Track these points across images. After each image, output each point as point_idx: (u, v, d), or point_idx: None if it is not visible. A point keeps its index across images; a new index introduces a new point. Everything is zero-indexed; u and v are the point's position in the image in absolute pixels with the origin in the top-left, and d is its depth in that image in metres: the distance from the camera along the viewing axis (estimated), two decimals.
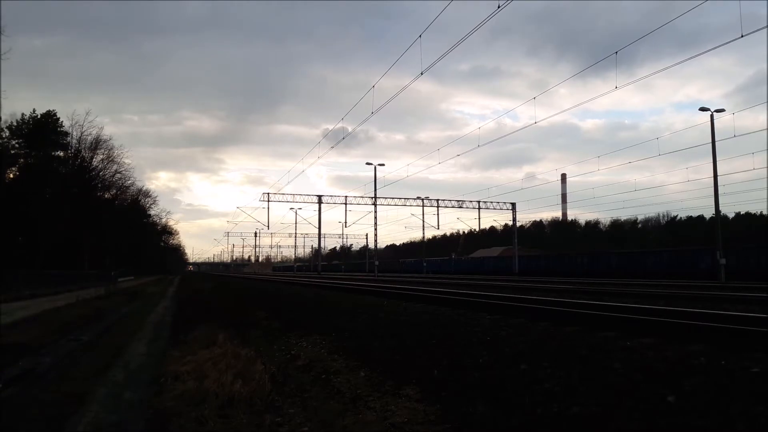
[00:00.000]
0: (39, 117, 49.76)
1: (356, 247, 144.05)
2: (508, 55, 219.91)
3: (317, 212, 64.23)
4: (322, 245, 79.65)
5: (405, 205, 65.26)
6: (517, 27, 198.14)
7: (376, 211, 58.26)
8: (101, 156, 53.22)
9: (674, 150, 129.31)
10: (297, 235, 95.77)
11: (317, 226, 66.34)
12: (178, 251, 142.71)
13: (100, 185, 56.62)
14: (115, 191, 62.35)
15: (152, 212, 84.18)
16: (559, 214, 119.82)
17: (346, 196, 63.72)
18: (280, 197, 61.96)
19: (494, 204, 64.80)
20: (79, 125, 49.64)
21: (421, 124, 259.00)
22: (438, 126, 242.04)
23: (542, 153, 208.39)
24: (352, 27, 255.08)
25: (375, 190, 56.99)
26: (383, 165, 68.92)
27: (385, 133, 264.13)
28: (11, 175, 47.36)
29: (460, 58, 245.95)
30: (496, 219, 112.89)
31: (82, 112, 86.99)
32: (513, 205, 64.63)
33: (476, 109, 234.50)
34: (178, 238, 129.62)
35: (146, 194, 78.13)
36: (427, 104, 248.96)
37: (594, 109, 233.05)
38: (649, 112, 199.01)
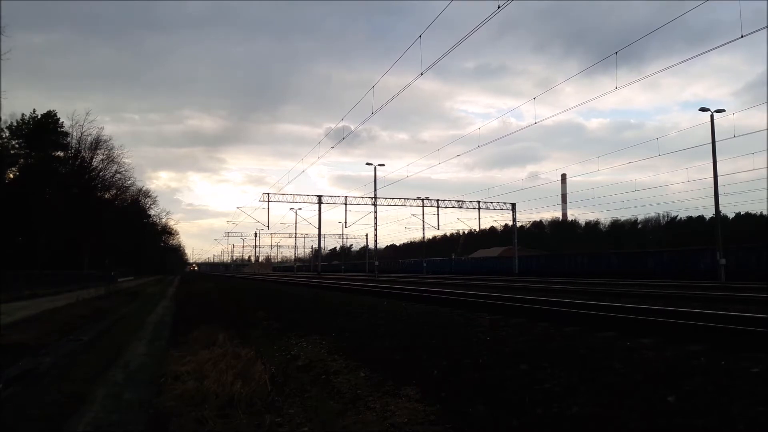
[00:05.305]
0: (39, 117, 49.84)
1: (356, 247, 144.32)
2: (515, 53, 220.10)
3: (317, 212, 64.25)
4: (322, 245, 79.62)
5: (405, 206, 65.28)
6: (524, 23, 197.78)
7: (376, 212, 58.30)
8: (101, 156, 53.45)
9: (676, 150, 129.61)
10: (297, 236, 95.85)
11: (317, 227, 66.33)
12: (178, 251, 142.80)
13: (100, 185, 56.69)
14: (115, 191, 62.49)
15: (152, 212, 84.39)
16: (559, 215, 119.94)
17: (346, 197, 63.73)
18: (281, 197, 61.92)
19: (494, 204, 64.79)
20: (79, 125, 49.81)
21: (425, 123, 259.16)
22: (442, 125, 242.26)
23: (546, 152, 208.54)
24: (357, 24, 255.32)
25: (375, 190, 57.06)
26: (383, 165, 69.02)
27: (388, 132, 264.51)
28: (11, 175, 47.39)
29: (466, 55, 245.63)
30: (496, 219, 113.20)
31: (83, 112, 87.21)
32: (513, 205, 64.61)
33: (480, 108, 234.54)
34: (178, 238, 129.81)
35: (146, 194, 78.35)
36: (431, 103, 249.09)
37: (600, 108, 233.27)
38: (654, 110, 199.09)
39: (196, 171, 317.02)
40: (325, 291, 22.60)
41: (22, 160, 48.97)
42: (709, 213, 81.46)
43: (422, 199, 65.19)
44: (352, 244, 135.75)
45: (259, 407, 5.19)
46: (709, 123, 34.71)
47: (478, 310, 11.13)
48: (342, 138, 64.47)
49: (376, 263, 60.62)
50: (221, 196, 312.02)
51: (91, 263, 45.41)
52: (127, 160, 67.62)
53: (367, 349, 7.28)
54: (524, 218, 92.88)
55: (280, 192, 62.93)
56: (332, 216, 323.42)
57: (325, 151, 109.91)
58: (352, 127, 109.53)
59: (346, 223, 64.79)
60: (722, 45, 61.41)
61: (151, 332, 12.56)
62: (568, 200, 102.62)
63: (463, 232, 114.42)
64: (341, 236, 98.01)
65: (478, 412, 4.34)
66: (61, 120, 51.33)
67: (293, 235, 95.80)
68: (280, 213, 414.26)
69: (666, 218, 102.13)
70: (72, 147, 51.26)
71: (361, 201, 67.41)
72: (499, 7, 15.43)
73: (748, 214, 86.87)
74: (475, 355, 6.03)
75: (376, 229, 58.86)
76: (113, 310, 18.83)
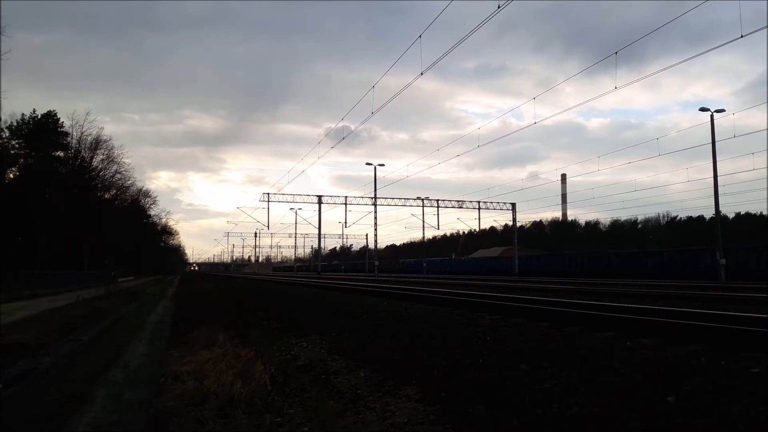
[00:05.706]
0: (39, 117, 49.84)
1: (356, 247, 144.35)
2: (515, 53, 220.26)
3: (317, 212, 64.23)
4: (322, 245, 79.60)
5: (405, 206, 65.30)
6: (524, 23, 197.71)
7: (376, 212, 58.30)
8: (101, 156, 53.50)
9: (676, 150, 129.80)
10: (297, 236, 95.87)
11: (317, 227, 66.32)
12: (178, 251, 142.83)
13: (100, 185, 56.70)
14: (115, 191, 62.50)
15: (152, 212, 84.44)
16: (559, 215, 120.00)
17: (346, 197, 63.74)
18: (281, 197, 61.91)
19: (494, 204, 64.79)
20: (79, 125, 49.84)
21: (425, 123, 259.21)
22: (442, 125, 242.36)
23: (546, 152, 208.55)
24: (357, 24, 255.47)
25: (375, 190, 57.07)
26: (383, 165, 69.02)
27: (388, 132, 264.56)
28: (11, 175, 47.39)
29: (466, 55, 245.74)
30: (496, 219, 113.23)
31: (83, 112, 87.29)
32: (513, 205, 64.61)
33: (481, 108, 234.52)
34: (178, 238, 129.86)
35: (146, 194, 78.40)
36: (431, 103, 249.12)
37: (600, 107, 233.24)
38: (654, 110, 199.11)
39: (196, 171, 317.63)
40: (325, 291, 22.60)
41: (22, 160, 48.98)
42: (709, 213, 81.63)
43: (422, 199, 65.24)
44: (352, 244, 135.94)
45: (259, 407, 5.19)
46: (709, 123, 34.75)
47: (478, 310, 11.13)
48: (342, 138, 64.60)
49: (376, 263, 60.62)
50: (221, 196, 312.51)
51: (91, 263, 45.40)
52: (127, 160, 67.71)
53: (367, 349, 7.28)
54: (524, 218, 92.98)
55: (280, 192, 63.00)
56: (332, 216, 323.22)
57: (325, 151, 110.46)
58: (352, 127, 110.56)
59: (346, 223, 64.85)
60: (722, 45, 61.60)
61: (151, 332, 12.56)
62: (568, 200, 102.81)
63: (463, 232, 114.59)
64: (341, 236, 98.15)
65: (478, 412, 4.34)
66: (61, 120, 51.42)
67: (293, 235, 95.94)
68: (280, 213, 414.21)
69: (666, 218, 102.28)
70: (72, 147, 51.35)
71: (361, 201, 67.50)
72: (499, 7, 15.44)
73: (748, 214, 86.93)
74: (475, 355, 6.03)
75: (376, 229, 58.91)
76: (113, 310, 18.82)
